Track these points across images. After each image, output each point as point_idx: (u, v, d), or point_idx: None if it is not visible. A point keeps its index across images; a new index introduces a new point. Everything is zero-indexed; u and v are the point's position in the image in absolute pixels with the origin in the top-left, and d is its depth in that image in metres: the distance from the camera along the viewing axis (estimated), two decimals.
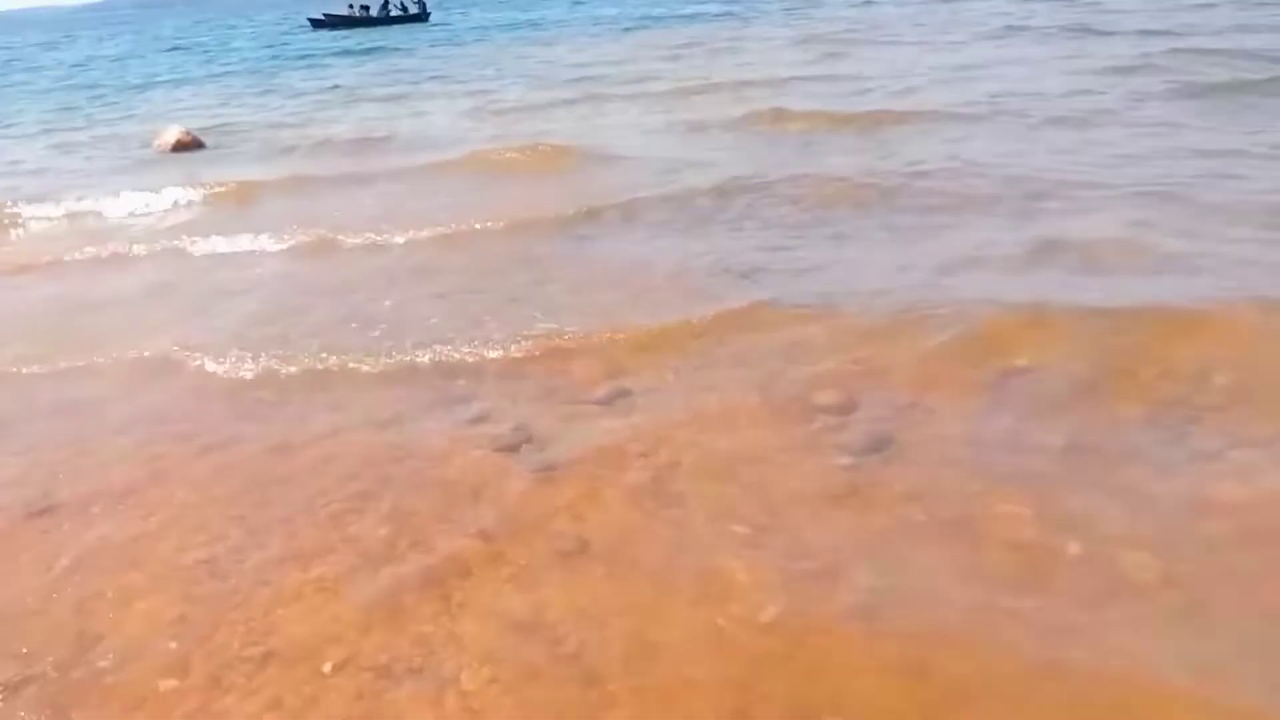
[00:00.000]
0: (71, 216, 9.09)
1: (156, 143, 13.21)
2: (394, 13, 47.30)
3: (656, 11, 42.67)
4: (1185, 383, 4.09)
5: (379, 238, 7.20)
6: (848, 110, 10.88)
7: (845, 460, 3.73)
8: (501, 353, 4.91)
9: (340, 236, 7.31)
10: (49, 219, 9.11)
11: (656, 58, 20.82)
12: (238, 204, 9.00)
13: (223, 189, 9.42)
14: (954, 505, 3.39)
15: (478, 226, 7.24)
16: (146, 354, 5.33)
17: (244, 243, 7.51)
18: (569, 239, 6.87)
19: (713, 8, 42.64)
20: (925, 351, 4.51)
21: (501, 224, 7.26)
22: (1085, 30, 18.53)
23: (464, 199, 8.29)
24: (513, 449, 4.01)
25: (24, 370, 5.30)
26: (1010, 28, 20.04)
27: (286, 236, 7.50)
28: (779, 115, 10.77)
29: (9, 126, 17.62)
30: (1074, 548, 3.13)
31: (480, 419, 4.28)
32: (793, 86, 13.49)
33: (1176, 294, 4.80)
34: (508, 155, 9.67)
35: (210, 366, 5.03)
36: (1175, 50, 13.75)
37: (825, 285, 5.45)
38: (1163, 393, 4.04)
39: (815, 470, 3.68)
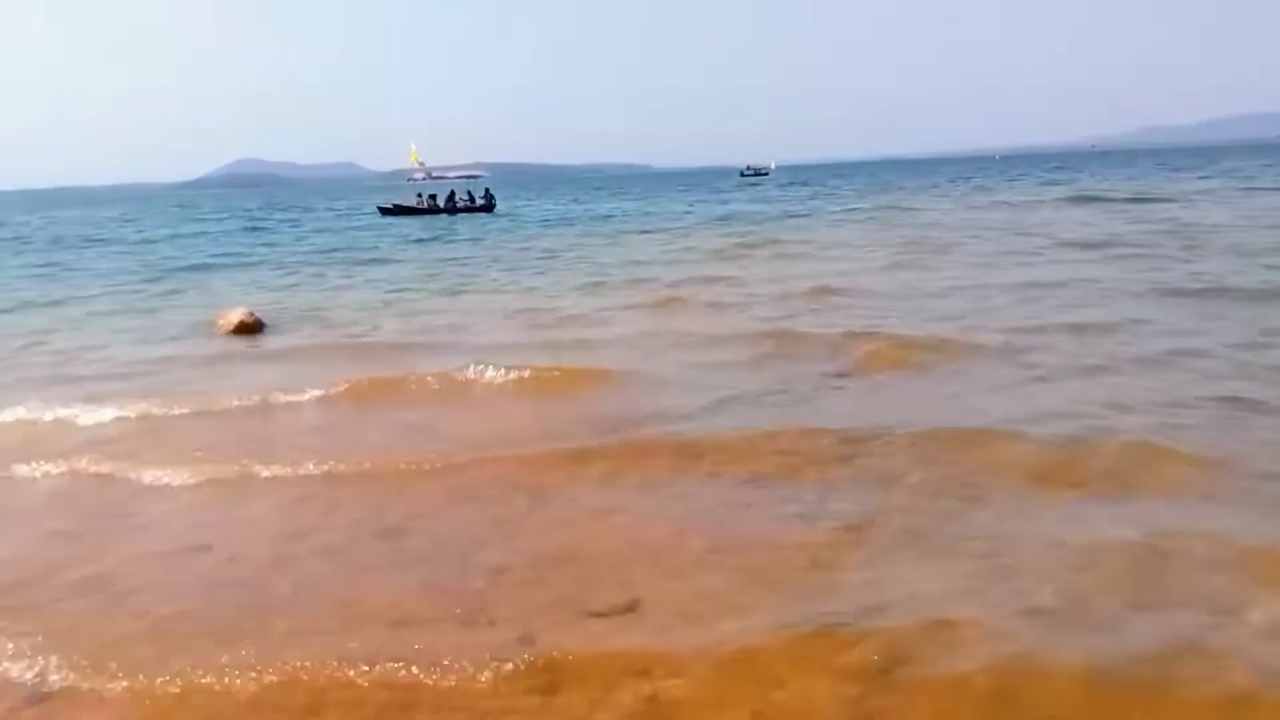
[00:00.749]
0: (55, 421, 8.66)
1: (220, 323, 13.72)
2: (460, 203, 49.03)
3: (723, 210, 44.07)
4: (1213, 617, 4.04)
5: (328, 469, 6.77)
6: (923, 335, 10.22)
7: (855, 689, 3.68)
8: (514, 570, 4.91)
9: (269, 469, 6.83)
10: (41, 421, 8.69)
11: (721, 258, 21.36)
12: (231, 418, 8.57)
13: (234, 400, 9.06)
14: None
15: (492, 455, 6.85)
16: None
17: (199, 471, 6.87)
18: (576, 478, 6.40)
19: (780, 207, 43.83)
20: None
21: (512, 453, 6.89)
22: (1165, 244, 18.64)
23: (496, 421, 8.10)
24: (514, 659, 4.00)
25: None
26: (1085, 241, 19.95)
27: (249, 465, 6.94)
28: (846, 341, 10.16)
29: (81, 301, 18.49)
30: None
31: (488, 625, 4.33)
32: (859, 302, 13.23)
33: None
34: (546, 374, 9.31)
35: None
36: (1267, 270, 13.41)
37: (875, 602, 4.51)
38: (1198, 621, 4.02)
39: (825, 699, 3.66)
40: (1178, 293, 12.42)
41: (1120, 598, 4.26)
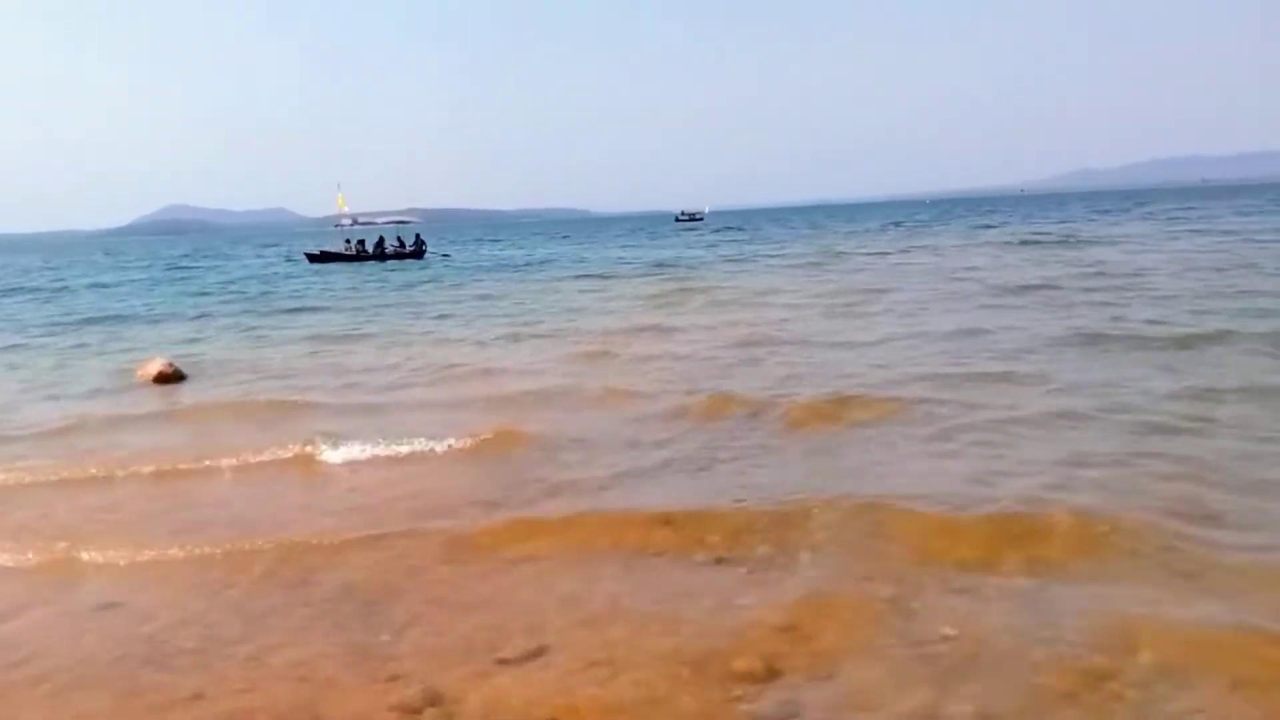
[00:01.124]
0: None
1: (139, 373, 13.57)
2: (389, 249, 48.42)
3: (659, 255, 44.26)
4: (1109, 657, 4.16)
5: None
6: (854, 391, 9.78)
7: None
8: None
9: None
10: None
11: (656, 306, 21.28)
12: (143, 481, 8.24)
13: (148, 462, 8.65)
14: None
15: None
16: None
17: None
18: (475, 556, 6.01)
19: (716, 252, 43.91)
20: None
21: (418, 527, 6.49)
22: (1094, 288, 19.04)
23: (408, 489, 7.55)
24: (418, 712, 4.07)
25: None
26: (1015, 287, 20.19)
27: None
28: (776, 399, 9.70)
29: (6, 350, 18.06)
30: None
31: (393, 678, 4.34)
32: (792, 353, 12.92)
33: None
34: (466, 437, 8.85)
35: None
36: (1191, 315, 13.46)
37: None
38: (1085, 666, 4.10)
39: None
40: (1104, 339, 12.43)
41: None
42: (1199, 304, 15.44)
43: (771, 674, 4.19)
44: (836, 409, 9.14)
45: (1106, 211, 74.51)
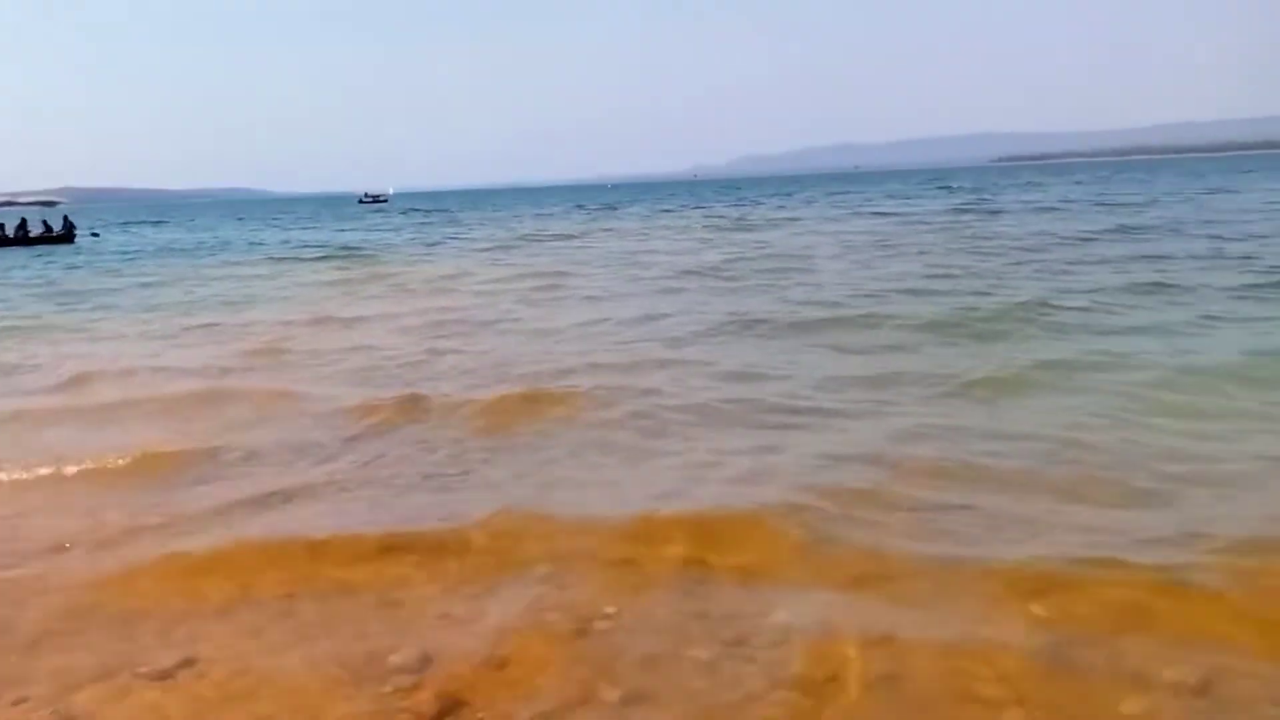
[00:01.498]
0: None
1: None
2: (33, 233, 43.67)
3: (343, 239, 42.54)
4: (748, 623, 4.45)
5: None
6: (539, 388, 9.38)
7: None
8: None
9: None
10: None
11: (336, 294, 20.43)
12: None
13: None
14: None
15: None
16: None
17: None
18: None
19: (403, 235, 42.91)
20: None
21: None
22: (767, 269, 20.20)
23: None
24: None
25: None
26: (693, 270, 21.04)
27: None
28: (456, 402, 9.07)
29: None
30: None
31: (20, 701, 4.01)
32: (479, 346, 12.46)
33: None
34: (91, 460, 7.60)
35: None
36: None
37: None
38: (729, 634, 4.36)
39: None
40: (776, 321, 13.01)
41: None
42: (862, 285, 16.73)
43: (426, 662, 4.16)
44: (524, 406, 8.76)
45: (773, 195, 79.90)
